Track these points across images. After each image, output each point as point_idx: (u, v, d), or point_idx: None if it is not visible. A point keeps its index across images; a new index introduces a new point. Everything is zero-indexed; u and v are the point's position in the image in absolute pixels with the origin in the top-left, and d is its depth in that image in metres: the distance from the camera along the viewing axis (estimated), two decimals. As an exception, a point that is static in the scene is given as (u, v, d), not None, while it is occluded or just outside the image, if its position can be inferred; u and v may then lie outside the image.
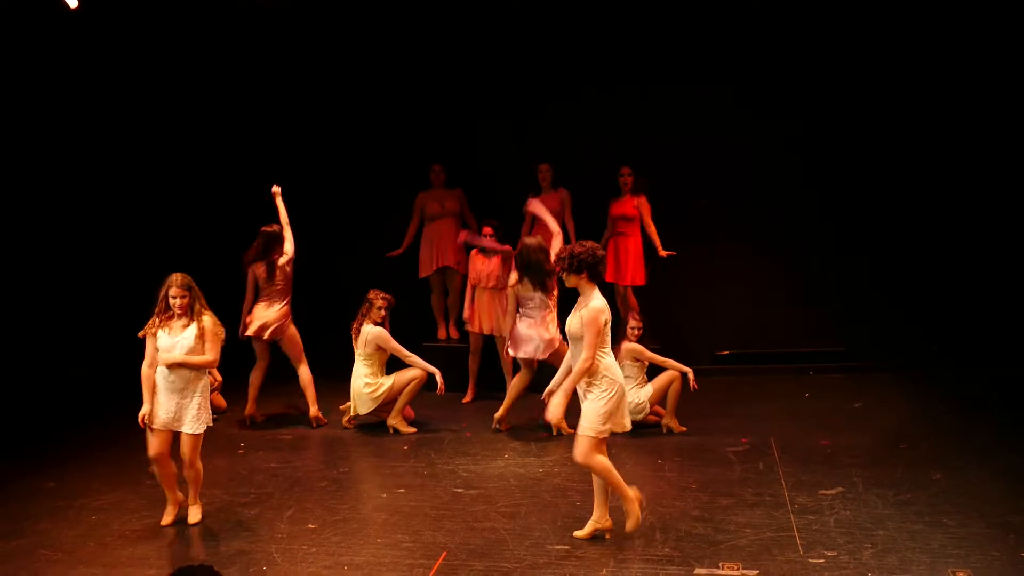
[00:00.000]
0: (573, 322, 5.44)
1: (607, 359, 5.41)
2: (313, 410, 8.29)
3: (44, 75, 9.82)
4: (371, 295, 8.06)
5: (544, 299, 7.87)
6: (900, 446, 7.11)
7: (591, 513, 5.58)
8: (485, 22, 10.03)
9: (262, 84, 10.59)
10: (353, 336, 8.11)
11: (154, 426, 5.82)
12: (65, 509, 6.23)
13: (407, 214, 9.82)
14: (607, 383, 5.38)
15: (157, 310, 5.88)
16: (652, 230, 9.37)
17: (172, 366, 5.79)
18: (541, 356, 7.91)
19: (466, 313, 9.07)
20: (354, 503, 6.34)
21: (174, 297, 5.83)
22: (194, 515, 6.01)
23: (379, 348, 7.99)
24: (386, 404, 8.05)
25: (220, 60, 10.45)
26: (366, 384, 7.98)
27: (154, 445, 5.85)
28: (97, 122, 10.26)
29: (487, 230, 8.83)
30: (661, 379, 7.73)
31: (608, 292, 9.50)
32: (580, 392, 5.48)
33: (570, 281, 5.50)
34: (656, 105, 9.90)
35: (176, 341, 5.81)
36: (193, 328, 5.84)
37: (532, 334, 7.88)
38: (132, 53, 10.15)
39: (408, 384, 7.98)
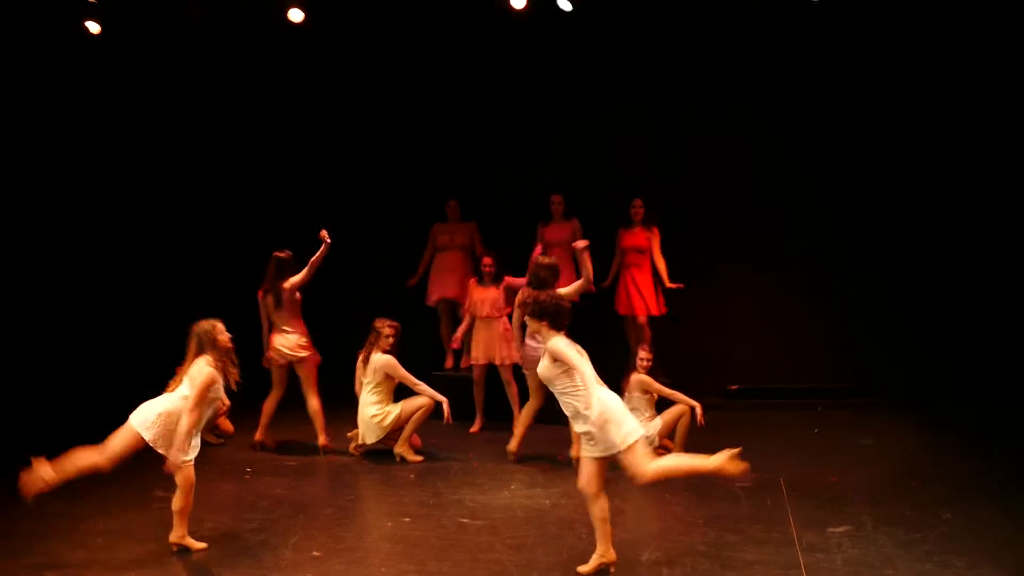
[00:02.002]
0: (544, 368, 5.38)
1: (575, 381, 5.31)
2: (322, 439, 8.27)
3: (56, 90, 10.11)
4: (377, 324, 8.07)
5: None
6: (910, 484, 7.06)
7: (596, 547, 5.53)
8: (498, 49, 10.25)
9: (288, 111, 10.83)
10: (361, 365, 8.11)
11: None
12: (72, 531, 6.22)
13: (423, 244, 10.00)
14: (582, 403, 5.23)
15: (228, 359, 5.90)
16: (661, 262, 9.40)
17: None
18: None
19: (455, 342, 9.12)
20: (359, 532, 6.31)
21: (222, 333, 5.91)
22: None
23: (387, 376, 7.99)
24: (393, 432, 8.04)
25: (247, 91, 10.76)
26: (374, 414, 7.98)
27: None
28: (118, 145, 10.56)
29: (487, 260, 8.91)
30: (670, 413, 7.70)
31: (620, 325, 9.63)
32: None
33: (532, 326, 5.49)
34: (666, 127, 10.01)
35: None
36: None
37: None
38: (160, 83, 10.46)
39: (415, 412, 7.98)
